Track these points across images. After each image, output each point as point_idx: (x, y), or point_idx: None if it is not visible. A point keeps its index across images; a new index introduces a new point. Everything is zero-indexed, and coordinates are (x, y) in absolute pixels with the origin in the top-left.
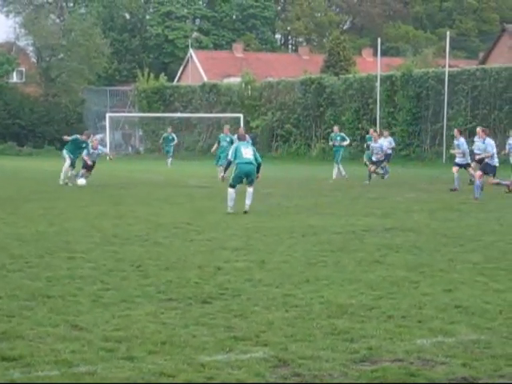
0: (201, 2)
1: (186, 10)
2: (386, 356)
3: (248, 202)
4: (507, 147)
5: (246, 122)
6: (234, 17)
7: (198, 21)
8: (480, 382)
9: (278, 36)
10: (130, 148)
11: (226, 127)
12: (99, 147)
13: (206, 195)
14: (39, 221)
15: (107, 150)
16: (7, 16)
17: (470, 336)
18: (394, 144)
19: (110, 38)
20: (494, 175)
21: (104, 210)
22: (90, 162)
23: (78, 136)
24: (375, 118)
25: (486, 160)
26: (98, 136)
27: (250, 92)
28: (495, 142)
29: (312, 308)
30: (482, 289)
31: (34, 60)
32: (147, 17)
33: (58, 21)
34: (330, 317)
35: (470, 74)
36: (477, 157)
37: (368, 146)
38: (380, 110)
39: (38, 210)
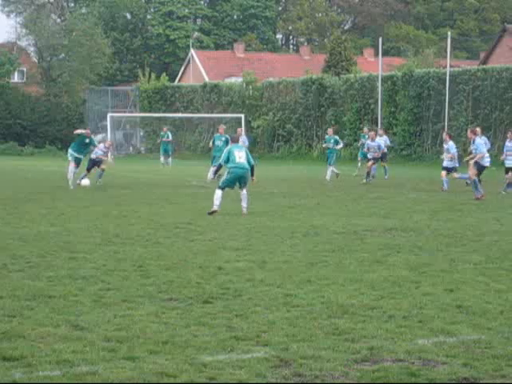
0: (202, 2)
1: (187, 10)
2: (387, 356)
3: (245, 204)
4: (505, 149)
5: (248, 122)
6: (235, 17)
7: (199, 21)
8: (481, 382)
9: (279, 36)
10: (131, 148)
11: (221, 127)
12: (110, 148)
13: (207, 195)
14: (40, 221)
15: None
16: (8, 16)
17: (471, 336)
18: (389, 142)
19: (112, 38)
20: (479, 172)
21: (105, 210)
22: (101, 158)
23: (83, 132)
24: (376, 118)
25: (477, 159)
26: (100, 136)
27: (251, 92)
28: (495, 143)
29: (313, 308)
30: (483, 289)
31: (35, 60)
32: (148, 17)
33: (59, 21)
34: (331, 317)
35: (471, 74)
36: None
37: (363, 145)
38: (381, 110)
39: (39, 210)
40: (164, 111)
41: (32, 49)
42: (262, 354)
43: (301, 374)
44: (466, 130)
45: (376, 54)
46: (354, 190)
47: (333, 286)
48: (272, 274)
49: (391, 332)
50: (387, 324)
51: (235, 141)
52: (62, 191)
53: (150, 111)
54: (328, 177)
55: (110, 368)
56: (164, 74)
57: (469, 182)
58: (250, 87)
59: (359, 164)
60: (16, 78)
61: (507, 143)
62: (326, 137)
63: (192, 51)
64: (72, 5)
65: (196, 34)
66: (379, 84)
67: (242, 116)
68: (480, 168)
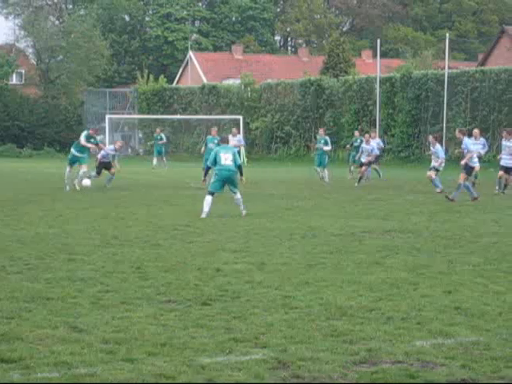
0: (200, 4)
1: (185, 12)
2: (385, 358)
3: (241, 207)
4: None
5: (246, 124)
6: (234, 18)
7: (197, 22)
8: (479, 383)
9: (277, 38)
10: (129, 150)
11: (214, 129)
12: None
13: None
14: (39, 223)
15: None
16: (7, 18)
17: (470, 338)
18: (382, 145)
19: (110, 40)
20: (468, 175)
21: (104, 212)
22: (102, 160)
23: (86, 132)
24: (375, 120)
25: (467, 160)
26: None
27: (249, 94)
28: (494, 144)
29: (311, 310)
30: (481, 290)
31: (33, 62)
32: (146, 18)
33: (57, 22)
34: (329, 318)
35: (469, 75)
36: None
37: (354, 147)
38: (379, 111)
39: (37, 212)
40: (162, 113)
41: (30, 50)
42: (261, 355)
43: (299, 375)
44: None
45: (374, 56)
46: (351, 192)
47: (331, 288)
48: (270, 275)
49: (389, 334)
50: (385, 326)
51: (224, 141)
52: (61, 193)
53: (148, 113)
54: (327, 178)
55: (109, 370)
56: (162, 75)
57: (438, 190)
58: (249, 89)
59: (352, 168)
60: (14, 79)
61: (503, 142)
62: (318, 137)
63: (190, 53)
64: (70, 7)
65: (194, 35)
66: (377, 86)
67: (241, 118)
68: (468, 170)
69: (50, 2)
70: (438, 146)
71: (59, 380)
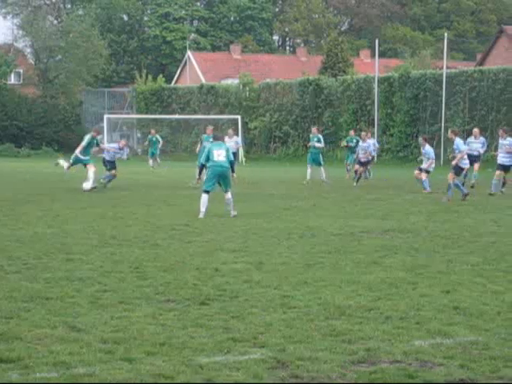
0: (198, 4)
1: (183, 12)
2: (384, 357)
3: (230, 207)
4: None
5: (244, 124)
6: (232, 18)
7: (195, 22)
8: (478, 383)
9: (275, 37)
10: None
11: (209, 128)
12: (125, 149)
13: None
14: (37, 222)
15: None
16: (5, 17)
17: (469, 337)
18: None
19: (108, 40)
20: (457, 175)
21: (102, 212)
22: (108, 160)
23: (89, 136)
24: (373, 120)
25: (458, 160)
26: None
27: (247, 93)
28: (492, 144)
29: (310, 309)
30: (480, 290)
31: (31, 61)
32: (145, 18)
33: (55, 22)
34: (328, 318)
35: (467, 75)
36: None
37: (350, 148)
38: (378, 111)
39: (36, 212)
40: (161, 113)
41: (29, 50)
42: (259, 355)
43: (298, 375)
44: (463, 132)
45: (373, 56)
46: (350, 192)
47: (330, 288)
48: (269, 275)
49: (388, 333)
50: (384, 325)
51: (218, 139)
52: (60, 193)
53: (146, 113)
54: (324, 176)
55: (107, 369)
56: (161, 75)
57: (426, 192)
58: (247, 89)
59: (349, 167)
60: (13, 79)
61: (500, 141)
62: (310, 136)
63: (189, 53)
64: (69, 6)
65: (192, 35)
66: (376, 85)
67: (239, 117)
68: (458, 170)
69: (48, 2)
70: (427, 146)
71: (58, 380)
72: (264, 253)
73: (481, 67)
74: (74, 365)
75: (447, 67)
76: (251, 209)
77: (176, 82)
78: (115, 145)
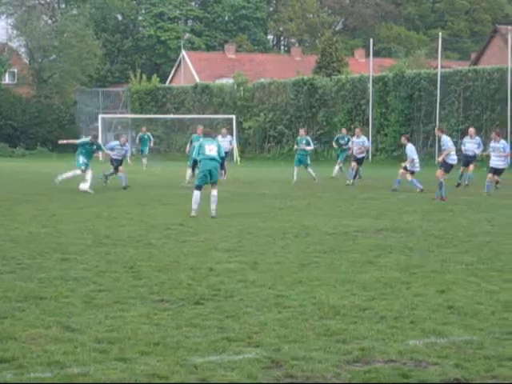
0: (193, 3)
1: (178, 11)
2: (378, 357)
3: (213, 206)
4: (490, 149)
5: (239, 123)
6: (226, 18)
7: (190, 22)
8: (473, 382)
9: (270, 37)
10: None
11: (200, 127)
12: (126, 144)
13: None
14: (32, 222)
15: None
16: None
17: (463, 337)
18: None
19: (102, 39)
20: (447, 172)
21: (97, 212)
22: (114, 158)
23: (87, 140)
24: (367, 119)
25: (444, 157)
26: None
27: (242, 93)
28: (487, 144)
29: (305, 309)
30: (474, 289)
31: (26, 61)
32: (139, 18)
33: (50, 22)
34: (322, 318)
35: (462, 74)
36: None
37: (340, 145)
38: (372, 110)
39: (31, 212)
40: (155, 112)
41: (23, 50)
42: (254, 355)
43: (292, 375)
44: (458, 131)
45: (367, 55)
46: (345, 191)
47: (324, 287)
48: (263, 275)
49: (383, 333)
50: (379, 325)
51: (208, 135)
52: (57, 193)
53: (141, 112)
54: (314, 174)
55: (102, 369)
56: (155, 75)
57: (418, 190)
58: (241, 88)
59: (337, 167)
60: (7, 79)
61: (491, 144)
62: (298, 138)
63: (183, 52)
64: (63, 6)
65: (187, 35)
66: (370, 85)
67: (233, 117)
68: (447, 167)
69: (42, 2)
70: (409, 145)
71: (52, 380)
72: (259, 252)
73: (475, 67)
74: (69, 365)
75: (442, 67)
76: (246, 208)
77: (170, 81)
78: (116, 142)
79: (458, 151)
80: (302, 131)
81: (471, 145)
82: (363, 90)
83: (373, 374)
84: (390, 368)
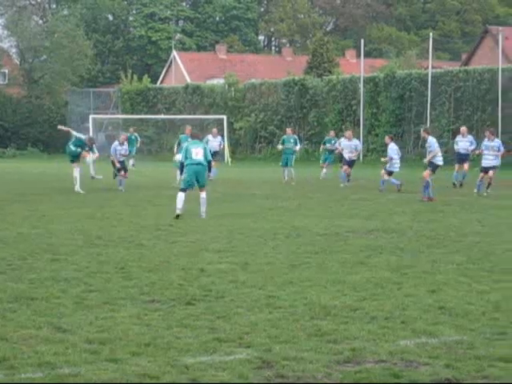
0: (184, 4)
1: (169, 12)
2: (369, 357)
3: (203, 208)
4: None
5: (230, 124)
6: (218, 18)
7: (181, 22)
8: (463, 382)
9: (261, 37)
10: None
11: (188, 127)
12: (125, 143)
13: (189, 197)
14: (22, 223)
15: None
16: None
17: (454, 337)
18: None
19: (93, 40)
20: (432, 171)
21: (88, 212)
22: (118, 165)
23: (83, 137)
24: (358, 120)
25: (431, 158)
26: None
27: (233, 93)
28: (480, 144)
29: (295, 309)
30: (465, 290)
31: (16, 62)
32: (130, 18)
33: (40, 22)
34: (313, 318)
35: (453, 75)
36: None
37: (327, 149)
38: (363, 111)
39: (23, 212)
40: (146, 113)
41: (14, 50)
42: (245, 355)
43: (283, 375)
44: (449, 131)
45: (358, 56)
46: (336, 192)
47: (315, 288)
48: (254, 275)
49: (373, 333)
50: (370, 325)
51: (195, 137)
52: (49, 193)
53: (132, 113)
54: (286, 177)
55: (92, 370)
56: (146, 75)
57: (398, 188)
58: (232, 89)
59: (325, 170)
60: None
61: (484, 142)
62: (285, 137)
63: (174, 53)
64: (54, 6)
65: (178, 35)
66: (361, 85)
67: (224, 117)
68: (434, 167)
69: (33, 2)
70: (391, 145)
71: (43, 380)
72: (249, 253)
73: (466, 67)
74: (60, 365)
75: (432, 67)
76: (237, 209)
77: (161, 82)
78: (116, 142)
79: (450, 151)
80: (288, 130)
81: (464, 143)
82: (354, 91)
83: (364, 374)
84: (380, 368)
